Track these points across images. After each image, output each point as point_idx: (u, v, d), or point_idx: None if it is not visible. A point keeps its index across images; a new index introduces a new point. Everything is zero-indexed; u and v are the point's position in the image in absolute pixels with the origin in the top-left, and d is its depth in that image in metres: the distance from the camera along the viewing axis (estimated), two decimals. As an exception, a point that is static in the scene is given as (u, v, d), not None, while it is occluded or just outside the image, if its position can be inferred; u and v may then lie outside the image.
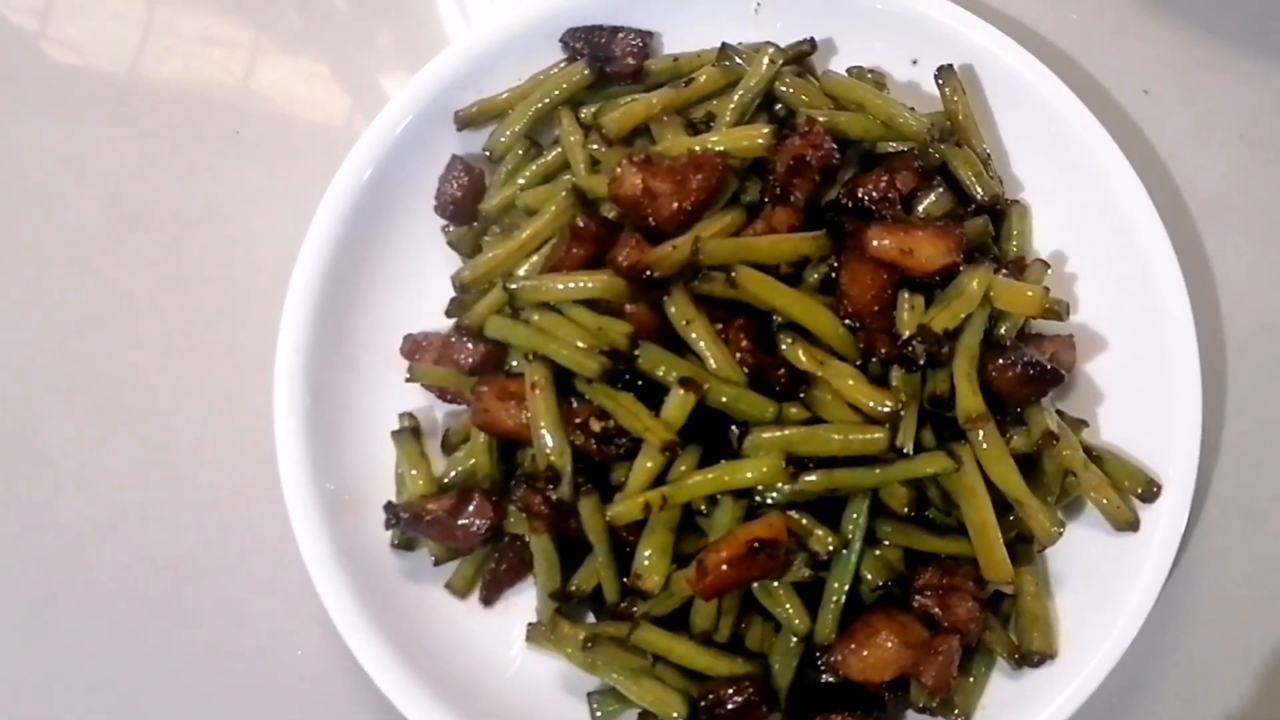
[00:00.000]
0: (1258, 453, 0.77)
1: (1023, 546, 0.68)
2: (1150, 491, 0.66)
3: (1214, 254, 0.80)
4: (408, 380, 0.74)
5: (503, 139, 0.77)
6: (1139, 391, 0.70)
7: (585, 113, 0.77)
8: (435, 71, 0.76)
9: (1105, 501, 0.67)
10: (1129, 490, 0.67)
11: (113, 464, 0.80)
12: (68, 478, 0.80)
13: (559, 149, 0.76)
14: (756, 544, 0.60)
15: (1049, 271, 0.72)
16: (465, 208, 0.77)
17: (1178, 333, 0.69)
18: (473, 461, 0.72)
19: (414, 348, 0.75)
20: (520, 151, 0.77)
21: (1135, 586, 0.65)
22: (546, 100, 0.76)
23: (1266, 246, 0.82)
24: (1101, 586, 0.67)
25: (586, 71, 0.76)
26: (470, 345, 0.70)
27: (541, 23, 0.77)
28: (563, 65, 0.77)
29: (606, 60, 0.76)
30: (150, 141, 0.87)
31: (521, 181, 0.76)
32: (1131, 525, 0.66)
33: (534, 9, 0.77)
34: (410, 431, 0.73)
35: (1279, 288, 0.81)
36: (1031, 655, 0.66)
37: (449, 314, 0.74)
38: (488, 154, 0.78)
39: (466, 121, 0.77)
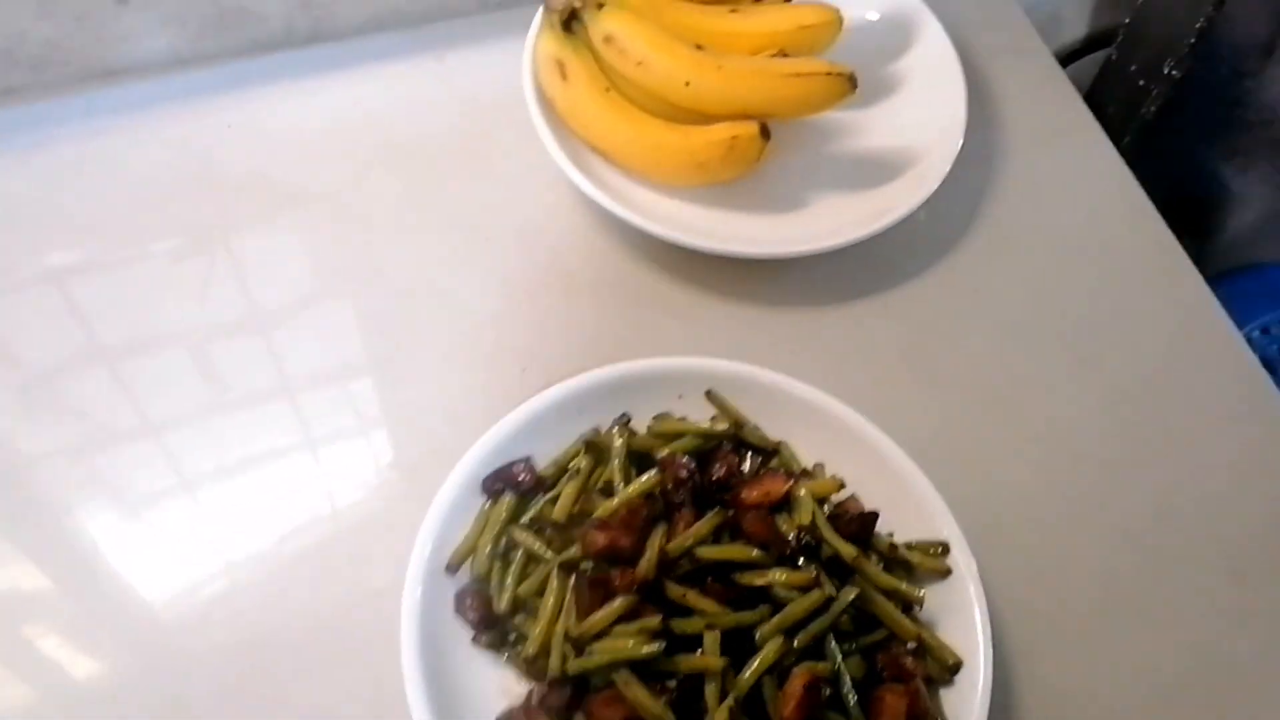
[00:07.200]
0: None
1: (908, 613, 1.12)
2: (944, 549, 1.14)
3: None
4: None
5: (483, 564, 1.12)
6: (899, 508, 1.19)
7: (524, 519, 1.15)
8: (421, 555, 1.09)
9: (925, 565, 1.13)
10: (933, 554, 1.14)
11: None
12: None
13: (520, 549, 1.13)
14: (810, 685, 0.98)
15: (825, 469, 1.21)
16: (487, 617, 1.10)
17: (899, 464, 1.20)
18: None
19: (510, 726, 1.05)
20: (499, 564, 1.12)
21: (971, 602, 1.11)
22: (498, 528, 1.13)
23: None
24: (955, 615, 1.11)
25: (514, 499, 1.15)
26: (559, 691, 1.02)
27: (465, 488, 1.14)
28: (489, 504, 1.15)
29: (517, 486, 1.16)
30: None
31: (511, 580, 1.11)
32: (946, 572, 1.13)
33: (457, 482, 1.13)
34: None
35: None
36: (949, 669, 1.08)
37: (534, 677, 1.05)
38: (478, 575, 1.12)
39: (455, 565, 1.11)
